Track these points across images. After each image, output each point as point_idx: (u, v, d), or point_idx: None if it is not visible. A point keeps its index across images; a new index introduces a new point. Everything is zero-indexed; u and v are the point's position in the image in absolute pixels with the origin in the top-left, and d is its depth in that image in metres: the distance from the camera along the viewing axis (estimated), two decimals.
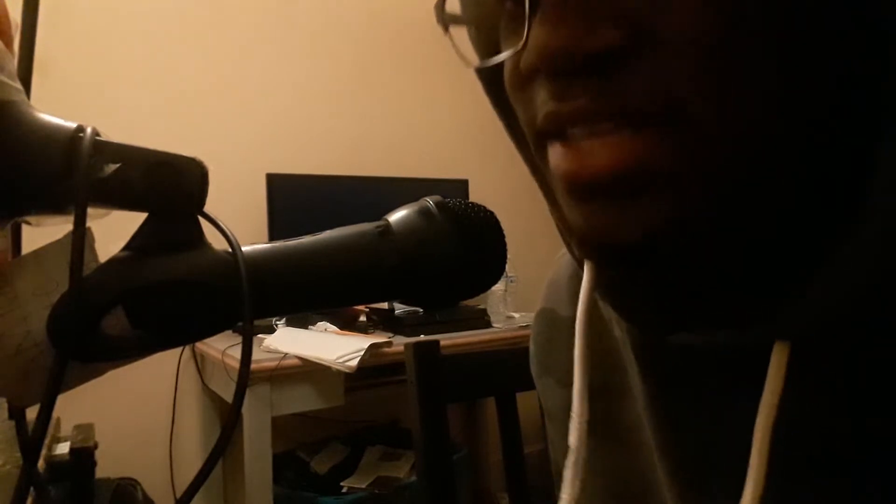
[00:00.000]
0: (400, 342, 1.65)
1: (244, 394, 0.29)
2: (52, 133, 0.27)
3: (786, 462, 0.26)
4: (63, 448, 1.05)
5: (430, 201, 0.33)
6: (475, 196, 1.81)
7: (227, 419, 0.28)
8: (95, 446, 1.06)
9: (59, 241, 0.28)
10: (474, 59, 0.31)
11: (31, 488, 0.27)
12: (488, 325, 1.97)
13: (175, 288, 0.28)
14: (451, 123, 2.44)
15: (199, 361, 1.96)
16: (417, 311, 1.88)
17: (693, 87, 0.22)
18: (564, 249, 0.35)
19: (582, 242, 0.27)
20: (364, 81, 2.32)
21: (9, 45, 0.29)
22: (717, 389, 0.29)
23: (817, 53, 0.22)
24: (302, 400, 1.61)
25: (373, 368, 1.60)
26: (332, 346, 1.60)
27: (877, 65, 0.22)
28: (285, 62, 2.18)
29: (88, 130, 0.27)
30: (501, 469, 0.84)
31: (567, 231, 0.31)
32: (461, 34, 0.31)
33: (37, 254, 0.29)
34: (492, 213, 0.34)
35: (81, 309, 0.27)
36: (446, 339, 1.72)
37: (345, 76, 2.28)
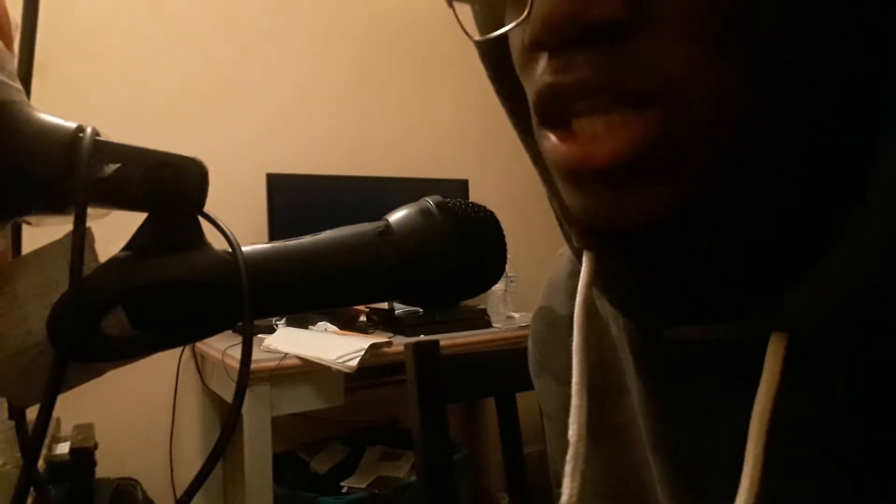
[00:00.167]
0: (400, 342, 1.65)
1: (244, 394, 0.29)
2: (52, 133, 0.27)
3: (783, 462, 0.26)
4: (63, 448, 1.05)
5: (430, 201, 0.33)
6: (475, 196, 1.81)
7: (227, 419, 0.28)
8: (95, 446, 1.06)
9: (59, 241, 0.28)
10: (477, 36, 0.30)
11: (31, 488, 0.27)
12: (488, 325, 1.97)
13: (175, 288, 0.28)
14: (451, 123, 2.44)
15: (199, 361, 1.96)
16: (417, 311, 1.88)
17: (691, 71, 0.22)
18: (564, 248, 0.35)
19: (582, 230, 0.27)
20: (364, 81, 2.32)
21: (9, 45, 0.29)
22: (713, 388, 0.29)
23: (817, 53, 0.22)
24: (302, 400, 1.61)
25: (373, 368, 1.60)
26: (332, 346, 1.60)
27: (877, 65, 0.22)
28: (285, 62, 2.18)
29: (88, 130, 0.27)
30: (501, 469, 0.84)
31: (567, 220, 0.31)
32: (464, 10, 0.31)
33: (37, 254, 0.29)
34: (492, 213, 0.34)
35: (81, 309, 0.27)
36: (446, 339, 1.72)
37: (345, 76, 2.28)
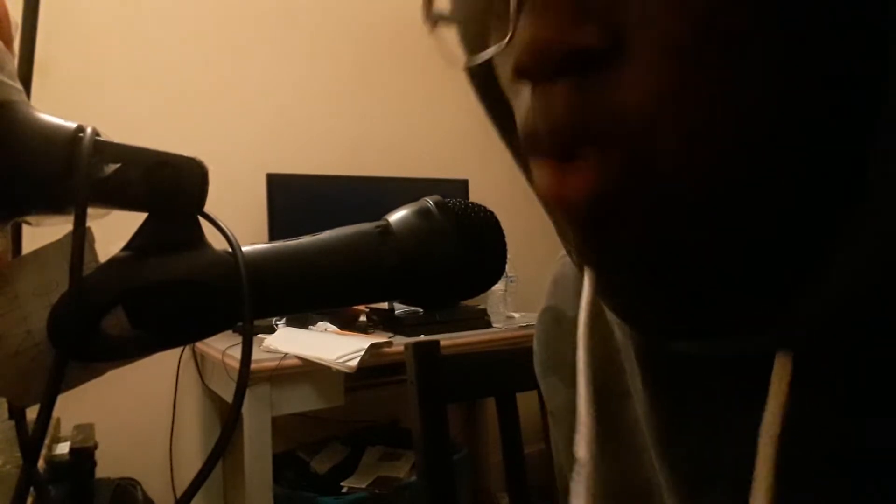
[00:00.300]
0: (400, 342, 1.65)
1: (244, 394, 0.29)
2: (52, 133, 0.27)
3: (787, 466, 0.26)
4: (63, 448, 1.05)
5: (429, 201, 0.33)
6: (475, 196, 1.81)
7: (227, 419, 0.28)
8: (95, 446, 1.06)
9: (59, 241, 0.28)
10: (462, 59, 0.31)
11: (31, 488, 0.27)
12: (488, 325, 1.97)
13: (175, 288, 0.28)
14: (451, 123, 2.44)
15: (199, 361, 1.96)
16: (417, 311, 1.88)
17: (663, 103, 0.22)
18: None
19: (575, 249, 0.27)
20: (364, 81, 2.32)
21: (9, 45, 0.29)
22: (718, 398, 0.29)
23: (817, 53, 0.22)
24: (302, 400, 1.61)
25: (373, 368, 1.60)
26: (332, 346, 1.60)
27: (877, 65, 0.22)
28: (285, 62, 2.18)
29: (88, 130, 0.27)
30: (501, 469, 0.84)
31: (562, 235, 0.31)
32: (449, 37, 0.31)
33: (37, 254, 0.29)
34: (492, 213, 0.34)
35: (81, 309, 0.27)
36: (446, 339, 1.72)
37: (345, 76, 2.28)
